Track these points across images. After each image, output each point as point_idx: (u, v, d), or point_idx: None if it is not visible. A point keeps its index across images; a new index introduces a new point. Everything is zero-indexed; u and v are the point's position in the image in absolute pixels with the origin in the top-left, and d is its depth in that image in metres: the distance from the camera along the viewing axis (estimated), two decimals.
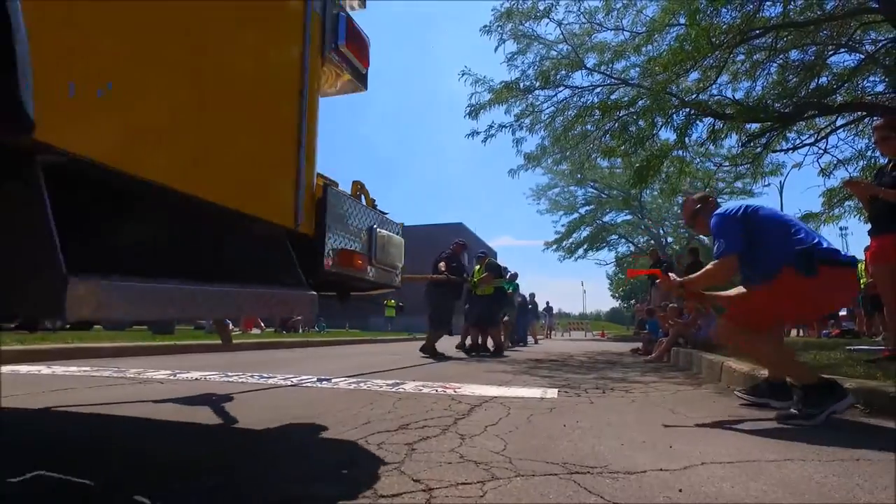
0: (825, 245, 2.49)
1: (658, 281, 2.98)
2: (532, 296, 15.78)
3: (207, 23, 1.35)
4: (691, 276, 2.93)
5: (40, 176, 0.86)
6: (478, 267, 8.51)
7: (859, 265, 11.43)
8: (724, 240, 2.64)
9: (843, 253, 2.55)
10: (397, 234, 2.30)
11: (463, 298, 8.15)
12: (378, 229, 2.08)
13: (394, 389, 3.43)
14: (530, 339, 15.17)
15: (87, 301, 0.89)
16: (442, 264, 7.49)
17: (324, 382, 3.79)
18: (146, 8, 1.15)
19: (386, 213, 2.28)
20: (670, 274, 2.93)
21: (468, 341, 8.34)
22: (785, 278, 2.47)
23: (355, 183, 2.22)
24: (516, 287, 12.10)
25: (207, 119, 1.35)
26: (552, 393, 3.38)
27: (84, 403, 2.67)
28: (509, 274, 10.81)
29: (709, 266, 2.78)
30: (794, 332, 13.47)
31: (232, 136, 1.45)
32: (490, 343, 8.49)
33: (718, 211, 2.79)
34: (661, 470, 1.57)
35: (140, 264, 1.16)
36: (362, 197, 2.20)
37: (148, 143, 1.17)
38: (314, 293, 1.68)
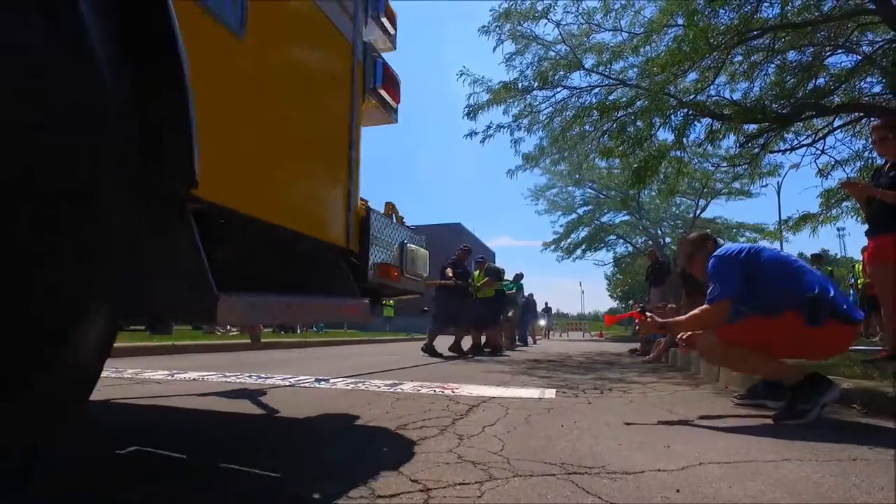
0: (832, 293, 2.43)
1: (637, 323, 2.88)
2: (530, 296, 15.87)
3: (292, 95, 1.73)
4: (677, 318, 2.85)
5: (192, 219, 1.15)
6: (477, 272, 8.69)
7: (857, 266, 11.50)
8: (720, 284, 2.57)
9: (849, 307, 2.48)
10: (422, 246, 2.61)
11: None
12: (408, 244, 2.42)
13: (392, 390, 3.43)
14: (529, 339, 15.22)
15: (231, 311, 1.24)
16: (449, 270, 7.85)
17: (322, 383, 3.79)
18: (262, 101, 1.58)
19: (412, 229, 2.56)
20: (648, 314, 2.84)
21: (465, 342, 8.46)
22: (787, 321, 2.43)
23: (387, 204, 2.56)
24: (520, 287, 12.24)
25: (292, 165, 1.73)
26: (550, 393, 3.38)
27: None
28: (514, 274, 11.05)
29: (697, 311, 2.70)
30: None
31: (306, 173, 1.81)
32: (484, 342, 8.64)
33: (717, 252, 2.70)
34: (658, 470, 1.58)
35: (246, 280, 1.54)
36: (393, 216, 2.50)
37: (258, 190, 1.54)
38: (366, 301, 2.05)
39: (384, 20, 2.37)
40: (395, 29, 2.50)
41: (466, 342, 8.25)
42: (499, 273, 9.34)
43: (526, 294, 14.56)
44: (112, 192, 0.95)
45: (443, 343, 7.81)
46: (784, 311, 2.45)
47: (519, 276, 12.12)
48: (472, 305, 8.35)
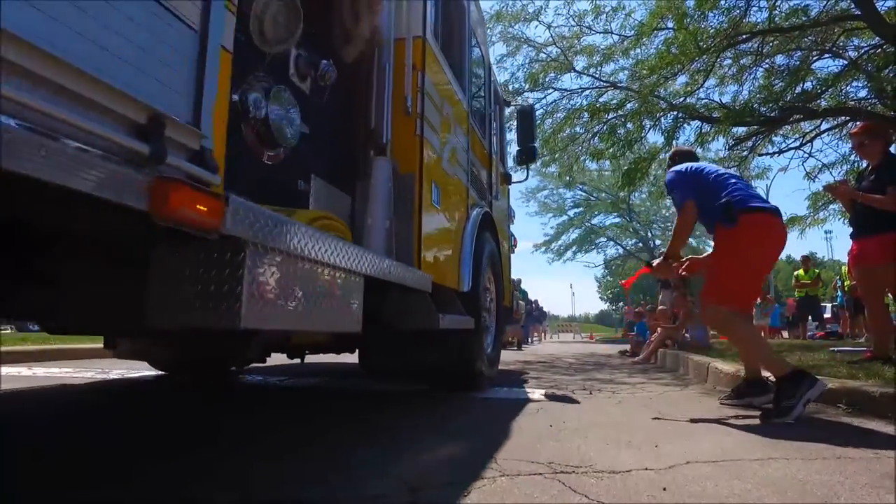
0: (743, 194, 2.59)
1: (652, 268, 3.16)
2: (535, 302, 16.53)
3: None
4: (669, 245, 3.00)
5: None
6: None
7: (843, 268, 11.62)
8: (677, 192, 2.80)
9: (763, 200, 2.65)
10: (524, 302, 6.49)
11: None
12: (520, 301, 6.05)
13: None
14: (531, 339, 15.89)
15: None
16: None
17: (311, 380, 3.76)
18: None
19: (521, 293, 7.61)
20: (654, 261, 3.09)
21: None
22: (718, 236, 2.66)
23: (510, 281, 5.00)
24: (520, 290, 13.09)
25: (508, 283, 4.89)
26: (539, 394, 3.38)
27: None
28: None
29: (674, 228, 2.94)
30: (784, 334, 13.65)
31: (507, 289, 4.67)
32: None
33: (673, 167, 2.95)
34: (645, 469, 1.58)
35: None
36: (515, 288, 6.65)
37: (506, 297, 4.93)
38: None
39: (513, 217, 5.39)
40: (514, 217, 5.50)
41: None
42: (517, 285, 10.77)
43: (532, 300, 15.33)
44: None
45: None
46: (715, 227, 2.66)
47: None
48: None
